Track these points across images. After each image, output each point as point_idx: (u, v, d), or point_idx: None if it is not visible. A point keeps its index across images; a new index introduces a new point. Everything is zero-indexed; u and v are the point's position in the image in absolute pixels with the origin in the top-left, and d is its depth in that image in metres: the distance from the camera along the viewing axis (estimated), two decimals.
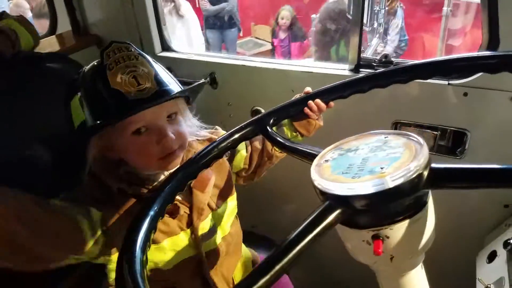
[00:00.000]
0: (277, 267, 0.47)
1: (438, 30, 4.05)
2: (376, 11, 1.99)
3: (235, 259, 1.08)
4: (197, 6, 4.58)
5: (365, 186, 0.50)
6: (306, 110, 0.90)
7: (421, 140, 0.55)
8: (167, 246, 0.90)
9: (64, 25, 1.85)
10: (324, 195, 0.53)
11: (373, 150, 0.58)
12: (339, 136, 0.66)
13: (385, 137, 0.60)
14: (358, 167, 0.55)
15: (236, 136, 0.81)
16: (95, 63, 0.85)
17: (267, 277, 0.46)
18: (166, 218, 0.90)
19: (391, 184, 0.48)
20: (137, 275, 0.52)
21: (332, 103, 0.92)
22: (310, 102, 0.89)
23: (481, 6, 1.06)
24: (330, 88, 0.87)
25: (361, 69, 1.34)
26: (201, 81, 0.97)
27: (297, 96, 0.98)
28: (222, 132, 1.07)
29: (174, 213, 0.91)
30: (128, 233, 0.61)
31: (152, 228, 0.63)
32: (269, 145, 1.08)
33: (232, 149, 0.81)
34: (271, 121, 0.84)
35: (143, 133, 0.83)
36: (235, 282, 1.06)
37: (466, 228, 1.32)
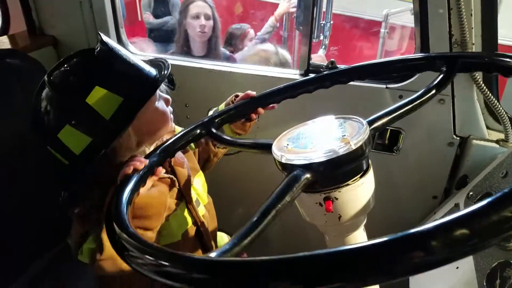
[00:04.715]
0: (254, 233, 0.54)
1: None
2: (322, 25, 2.17)
3: (214, 228, 1.19)
4: (140, 19, 4.49)
5: (318, 156, 0.62)
6: (253, 115, 1.05)
7: (363, 122, 0.68)
8: (173, 222, 1.01)
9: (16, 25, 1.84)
10: (289, 166, 0.64)
11: (325, 129, 0.71)
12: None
13: (338, 120, 0.73)
14: (312, 143, 0.68)
15: (183, 141, 0.90)
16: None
17: (248, 238, 0.53)
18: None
19: (341, 152, 0.61)
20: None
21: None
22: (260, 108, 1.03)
23: (414, 19, 1.23)
24: (280, 89, 0.99)
25: (310, 74, 1.47)
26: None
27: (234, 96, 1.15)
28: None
29: (171, 186, 1.02)
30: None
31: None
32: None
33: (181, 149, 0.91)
34: (216, 123, 0.96)
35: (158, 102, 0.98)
36: None
37: (399, 218, 1.47)
